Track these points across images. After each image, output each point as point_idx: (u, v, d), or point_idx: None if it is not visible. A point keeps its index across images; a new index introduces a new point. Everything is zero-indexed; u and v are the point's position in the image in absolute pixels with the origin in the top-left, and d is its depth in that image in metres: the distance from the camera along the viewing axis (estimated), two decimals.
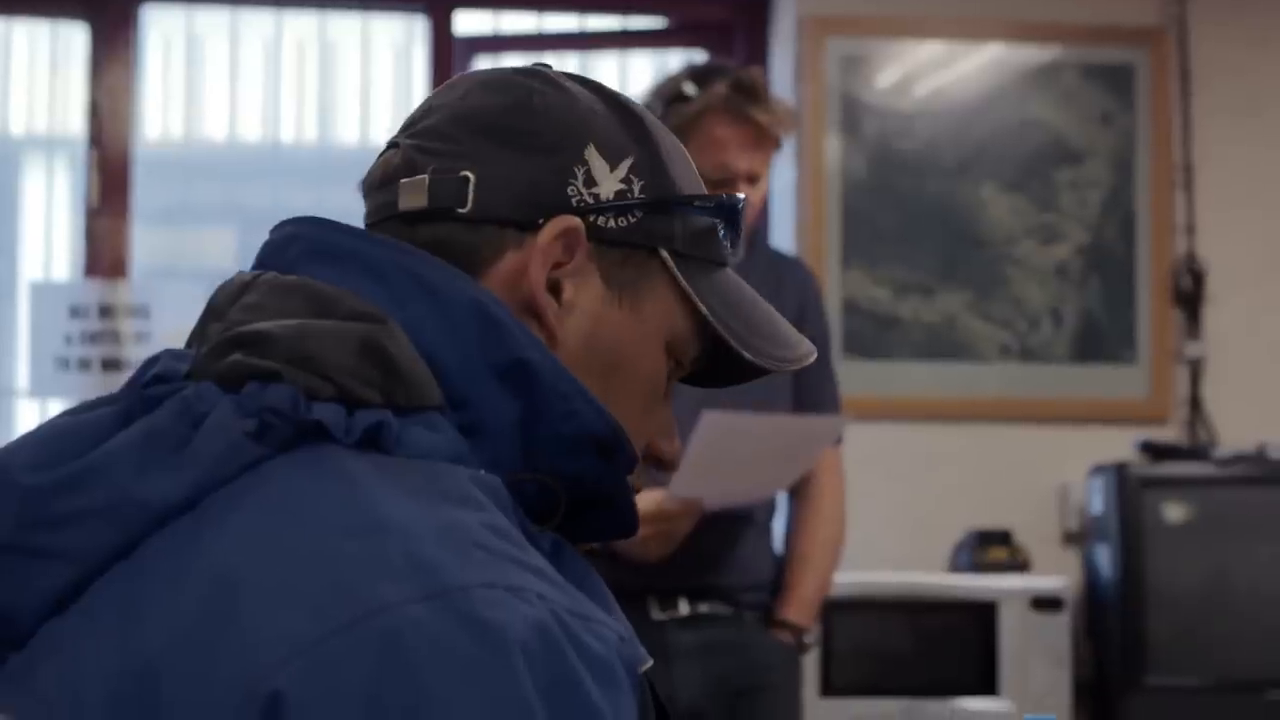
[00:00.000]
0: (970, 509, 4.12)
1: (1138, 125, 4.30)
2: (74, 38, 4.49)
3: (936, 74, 4.29)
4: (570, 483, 1.06)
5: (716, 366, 1.18)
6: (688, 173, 1.16)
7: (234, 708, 0.86)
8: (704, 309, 1.13)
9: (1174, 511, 3.92)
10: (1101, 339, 4.26)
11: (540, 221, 1.08)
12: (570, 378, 1.05)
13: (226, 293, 1.06)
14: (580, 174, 1.09)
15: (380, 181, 1.12)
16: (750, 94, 2.80)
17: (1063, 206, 4.27)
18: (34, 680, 0.93)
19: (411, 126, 1.13)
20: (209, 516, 0.94)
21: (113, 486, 0.95)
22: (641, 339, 1.12)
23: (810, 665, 3.52)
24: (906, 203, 4.23)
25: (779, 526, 3.04)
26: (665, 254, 1.12)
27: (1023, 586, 3.84)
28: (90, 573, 0.95)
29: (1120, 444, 4.11)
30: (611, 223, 1.09)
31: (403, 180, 1.10)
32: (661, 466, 1.40)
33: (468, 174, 1.08)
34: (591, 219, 1.09)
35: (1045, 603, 3.81)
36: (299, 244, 1.08)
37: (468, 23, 4.45)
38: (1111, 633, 3.94)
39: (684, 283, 1.12)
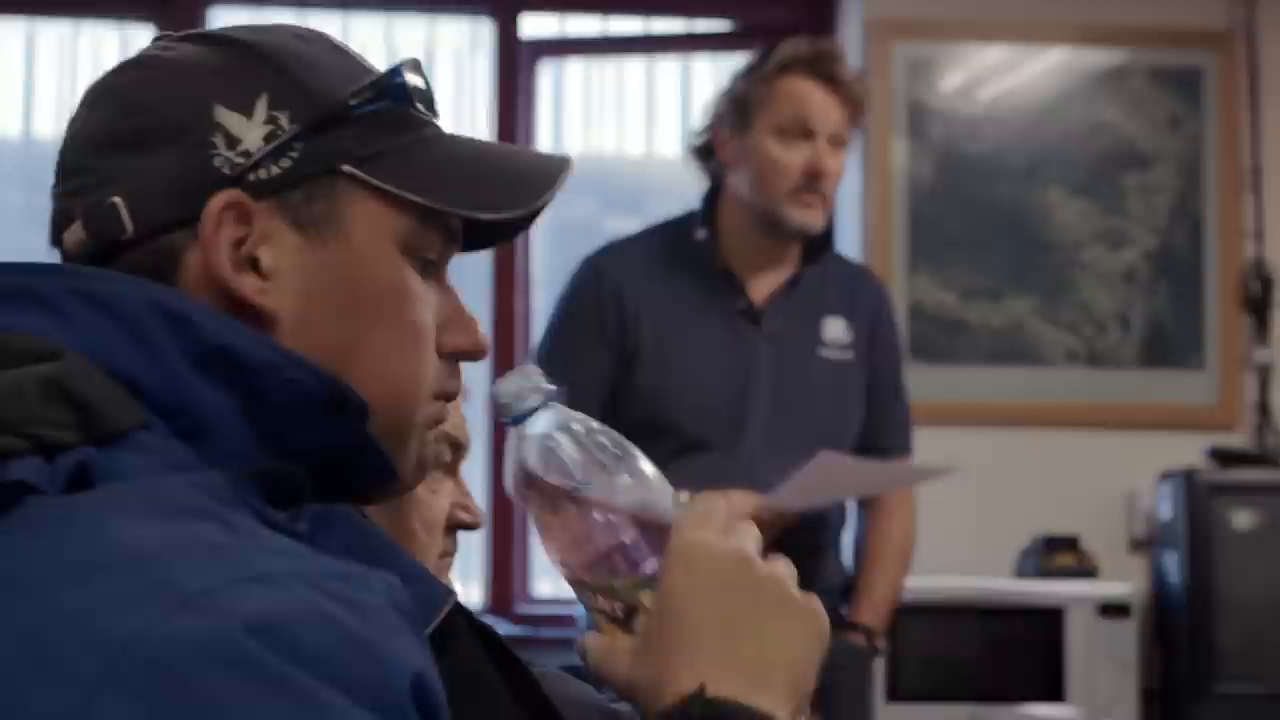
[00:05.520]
0: (1037, 514, 4.10)
1: (1206, 129, 4.28)
2: (142, 40, 4.51)
3: (1003, 77, 4.27)
4: (315, 452, 1.02)
5: (477, 229, 1.11)
6: (341, 70, 1.08)
7: None
8: (412, 196, 1.06)
9: (1243, 518, 3.90)
10: (1170, 344, 4.24)
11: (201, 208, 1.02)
12: (273, 347, 1.01)
13: None
14: (219, 140, 1.03)
15: (52, 243, 1.07)
16: (831, 56, 2.87)
17: (1130, 211, 4.25)
18: None
19: (55, 176, 1.08)
20: None
21: None
22: (362, 263, 1.05)
23: (877, 670, 3.51)
24: (973, 207, 4.21)
25: (847, 537, 3.04)
26: (348, 168, 1.05)
27: (1090, 593, 3.82)
28: None
29: (1188, 450, 4.08)
30: (274, 169, 1.03)
31: (65, 234, 1.05)
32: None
33: (115, 199, 1.02)
34: (250, 177, 1.02)
35: (1113, 609, 3.80)
36: None
37: (533, 26, 4.46)
38: (1180, 640, 3.91)
39: (378, 183, 1.05)
